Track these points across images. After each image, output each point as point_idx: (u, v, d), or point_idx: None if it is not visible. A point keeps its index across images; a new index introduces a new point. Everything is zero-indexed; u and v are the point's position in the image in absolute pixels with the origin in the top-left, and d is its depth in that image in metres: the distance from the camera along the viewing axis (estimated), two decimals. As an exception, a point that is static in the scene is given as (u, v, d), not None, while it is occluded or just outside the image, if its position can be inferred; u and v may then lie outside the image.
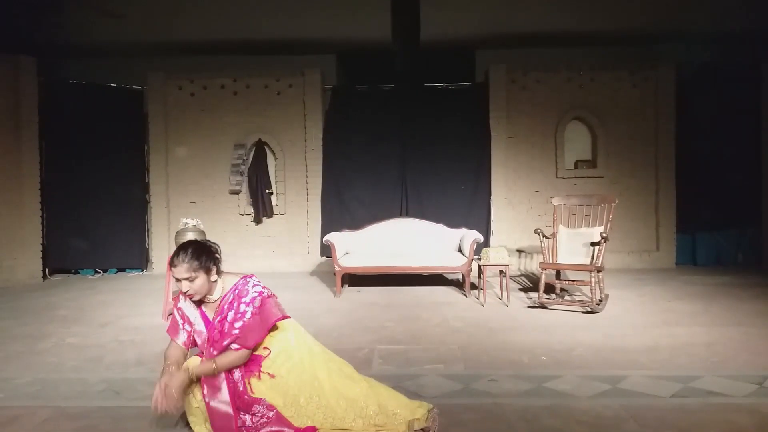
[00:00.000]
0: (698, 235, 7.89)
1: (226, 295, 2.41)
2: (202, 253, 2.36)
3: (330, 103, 8.06)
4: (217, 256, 2.44)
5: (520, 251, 7.70)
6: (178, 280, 2.34)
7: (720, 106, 7.74)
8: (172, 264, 2.34)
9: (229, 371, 2.33)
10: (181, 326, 2.45)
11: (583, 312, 4.93)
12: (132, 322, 4.83)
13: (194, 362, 2.36)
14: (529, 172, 7.94)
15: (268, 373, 2.36)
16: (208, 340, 2.40)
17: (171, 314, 2.56)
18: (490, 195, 7.81)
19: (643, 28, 7.54)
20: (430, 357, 3.63)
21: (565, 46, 8.03)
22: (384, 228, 6.84)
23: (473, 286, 5.98)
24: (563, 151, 7.94)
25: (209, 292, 2.40)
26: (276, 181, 8.06)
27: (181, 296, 2.45)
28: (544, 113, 7.89)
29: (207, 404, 2.30)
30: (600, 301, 5.07)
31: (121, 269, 8.00)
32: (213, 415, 2.29)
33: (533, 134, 7.91)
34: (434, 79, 7.98)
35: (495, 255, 5.53)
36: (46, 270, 7.44)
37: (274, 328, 2.45)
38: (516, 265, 7.59)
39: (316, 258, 7.92)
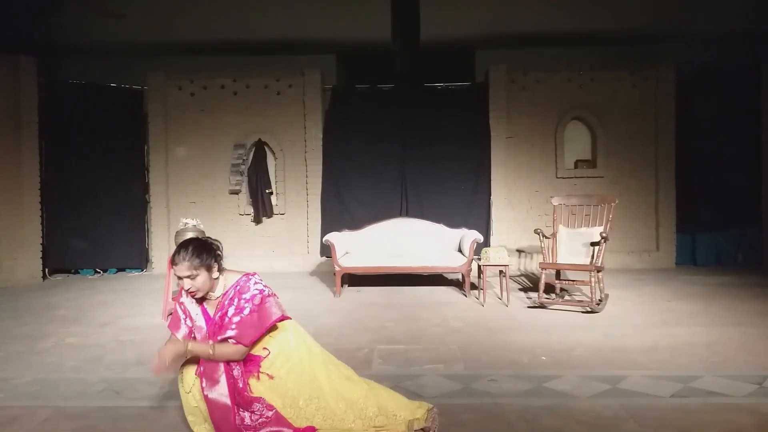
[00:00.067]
0: (698, 235, 7.88)
1: (227, 292, 2.40)
2: (203, 251, 2.35)
3: (330, 103, 8.06)
4: (219, 253, 2.43)
5: (520, 251, 7.70)
6: (179, 278, 2.34)
7: (720, 106, 7.74)
8: (173, 262, 2.33)
9: (229, 368, 2.32)
10: (182, 321, 2.44)
11: (582, 312, 4.93)
12: (132, 322, 4.83)
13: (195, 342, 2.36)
14: (529, 172, 7.94)
15: (267, 374, 2.35)
16: (207, 335, 2.40)
17: (171, 313, 2.55)
18: (489, 195, 7.81)
19: (643, 28, 7.54)
20: (430, 357, 3.63)
21: (565, 46, 8.03)
22: (384, 228, 6.84)
23: (473, 286, 5.98)
24: (563, 151, 7.94)
25: (211, 289, 2.40)
26: (276, 181, 8.06)
27: (183, 291, 2.45)
28: (544, 113, 7.89)
29: (205, 397, 2.29)
30: (600, 301, 5.07)
31: (121, 269, 8.00)
32: (212, 406, 2.28)
33: (533, 134, 7.91)
34: (434, 79, 7.98)
35: (495, 255, 5.53)
36: (46, 270, 7.44)
37: (273, 328, 2.44)
38: (516, 265, 7.59)
39: (316, 258, 7.92)
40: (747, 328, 4.25)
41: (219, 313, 2.38)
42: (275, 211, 8.00)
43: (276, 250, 8.05)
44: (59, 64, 7.92)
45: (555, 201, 5.94)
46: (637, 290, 5.99)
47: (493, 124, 7.80)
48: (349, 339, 4.13)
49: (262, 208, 7.84)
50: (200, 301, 2.44)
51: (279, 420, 2.29)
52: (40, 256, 7.27)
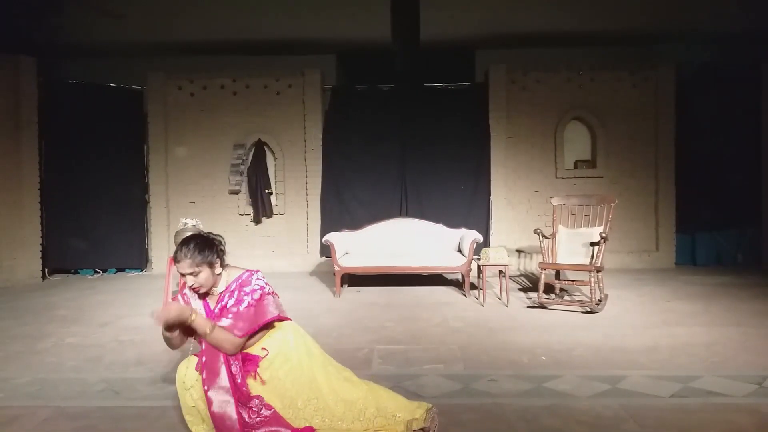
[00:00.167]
0: (698, 235, 7.88)
1: (230, 285, 2.40)
2: (205, 247, 2.34)
3: (330, 103, 8.06)
4: (222, 248, 2.41)
5: (519, 251, 7.70)
6: (182, 275, 2.33)
7: (720, 106, 7.74)
8: (175, 259, 2.32)
9: (228, 362, 2.31)
10: None
11: (582, 312, 4.93)
12: (131, 322, 4.83)
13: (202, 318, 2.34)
14: (529, 172, 7.94)
15: (261, 378, 2.34)
16: None
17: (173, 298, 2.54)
18: (489, 195, 7.81)
19: (643, 28, 7.54)
20: (430, 357, 3.63)
21: (565, 46, 8.03)
22: (383, 228, 6.84)
23: (473, 286, 5.98)
24: (563, 151, 7.94)
25: (214, 284, 2.39)
26: (275, 181, 8.06)
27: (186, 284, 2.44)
28: (543, 113, 7.89)
29: (205, 392, 2.27)
30: (599, 301, 5.07)
31: (121, 269, 8.00)
32: (211, 403, 2.26)
33: (533, 134, 7.91)
34: (434, 79, 7.98)
35: (494, 255, 5.52)
36: (46, 270, 7.44)
37: (272, 327, 2.44)
38: (515, 265, 7.59)
39: (316, 258, 7.92)
40: (747, 328, 4.25)
41: (219, 305, 2.38)
42: (275, 211, 8.00)
43: (276, 250, 8.05)
44: (59, 64, 7.91)
45: (555, 201, 5.94)
46: (637, 290, 5.99)
47: (492, 124, 7.80)
48: (349, 339, 4.13)
49: (261, 208, 7.84)
50: (203, 296, 2.44)
51: (277, 420, 2.29)
52: (40, 256, 7.27)
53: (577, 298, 5.44)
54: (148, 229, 8.13)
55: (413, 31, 5.89)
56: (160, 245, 7.90)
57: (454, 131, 7.82)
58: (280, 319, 2.45)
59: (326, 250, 7.03)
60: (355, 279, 6.68)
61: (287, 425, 2.29)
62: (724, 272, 7.16)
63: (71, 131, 7.58)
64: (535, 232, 5.74)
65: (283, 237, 8.06)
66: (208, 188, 8.05)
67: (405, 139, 7.85)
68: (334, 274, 6.04)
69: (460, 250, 6.27)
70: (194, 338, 2.45)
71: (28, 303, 5.78)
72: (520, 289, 6.20)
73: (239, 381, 2.32)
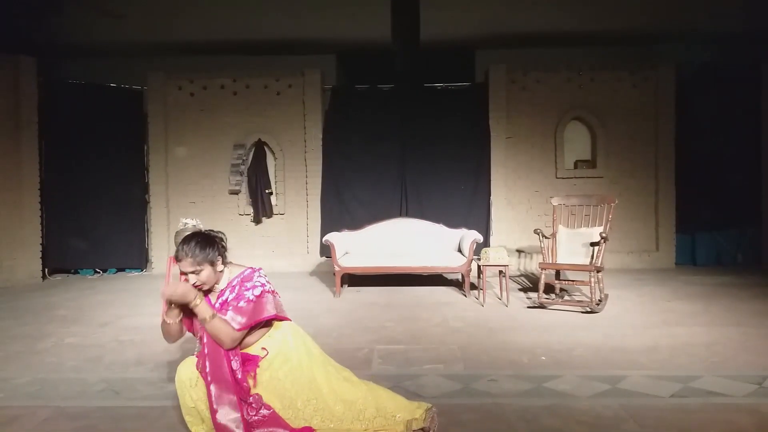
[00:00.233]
0: (698, 235, 7.88)
1: (232, 281, 2.40)
2: (206, 245, 2.33)
3: (330, 103, 8.06)
4: (223, 246, 2.41)
5: (519, 251, 7.70)
6: (184, 273, 2.32)
7: (720, 106, 7.74)
8: (177, 258, 2.32)
9: (228, 359, 2.29)
10: None
11: (582, 312, 4.93)
12: (131, 322, 4.83)
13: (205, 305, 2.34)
14: (529, 172, 7.94)
15: (261, 378, 2.34)
16: None
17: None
18: (489, 195, 7.81)
19: (643, 28, 7.54)
20: (430, 357, 3.63)
21: (565, 46, 8.03)
22: (383, 228, 6.84)
23: (473, 286, 5.98)
24: (563, 151, 7.94)
25: (217, 281, 2.39)
26: (275, 181, 8.06)
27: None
28: (543, 113, 7.89)
29: (207, 386, 2.27)
30: (599, 301, 5.07)
31: (121, 269, 8.00)
32: (212, 395, 2.26)
33: (533, 134, 7.91)
34: (434, 79, 7.98)
35: (494, 255, 5.52)
36: (46, 270, 7.44)
37: (270, 325, 2.44)
38: (516, 265, 7.59)
39: (316, 258, 7.92)
40: (747, 328, 4.25)
41: (220, 300, 2.38)
42: (275, 211, 8.00)
43: (276, 250, 8.05)
44: (59, 64, 7.91)
45: (555, 201, 5.94)
46: (637, 290, 5.99)
47: (492, 124, 7.80)
48: (349, 339, 4.13)
49: (261, 208, 7.84)
50: (205, 293, 2.43)
51: (276, 420, 2.29)
52: (40, 256, 7.27)
53: (577, 298, 5.44)
54: (148, 229, 8.13)
55: (413, 31, 5.89)
56: (160, 245, 7.90)
57: (454, 131, 7.82)
58: (280, 318, 2.44)
59: (326, 250, 7.03)
60: (355, 279, 6.68)
61: (286, 426, 2.28)
62: (724, 272, 7.16)
63: (71, 131, 7.58)
64: (535, 232, 5.74)
65: (283, 237, 8.06)
66: (208, 188, 8.05)
67: (405, 139, 7.85)
68: (334, 274, 6.04)
69: (460, 250, 6.27)
70: (194, 335, 2.45)
71: (28, 303, 5.78)
72: (520, 289, 6.20)
73: (239, 377, 2.31)
